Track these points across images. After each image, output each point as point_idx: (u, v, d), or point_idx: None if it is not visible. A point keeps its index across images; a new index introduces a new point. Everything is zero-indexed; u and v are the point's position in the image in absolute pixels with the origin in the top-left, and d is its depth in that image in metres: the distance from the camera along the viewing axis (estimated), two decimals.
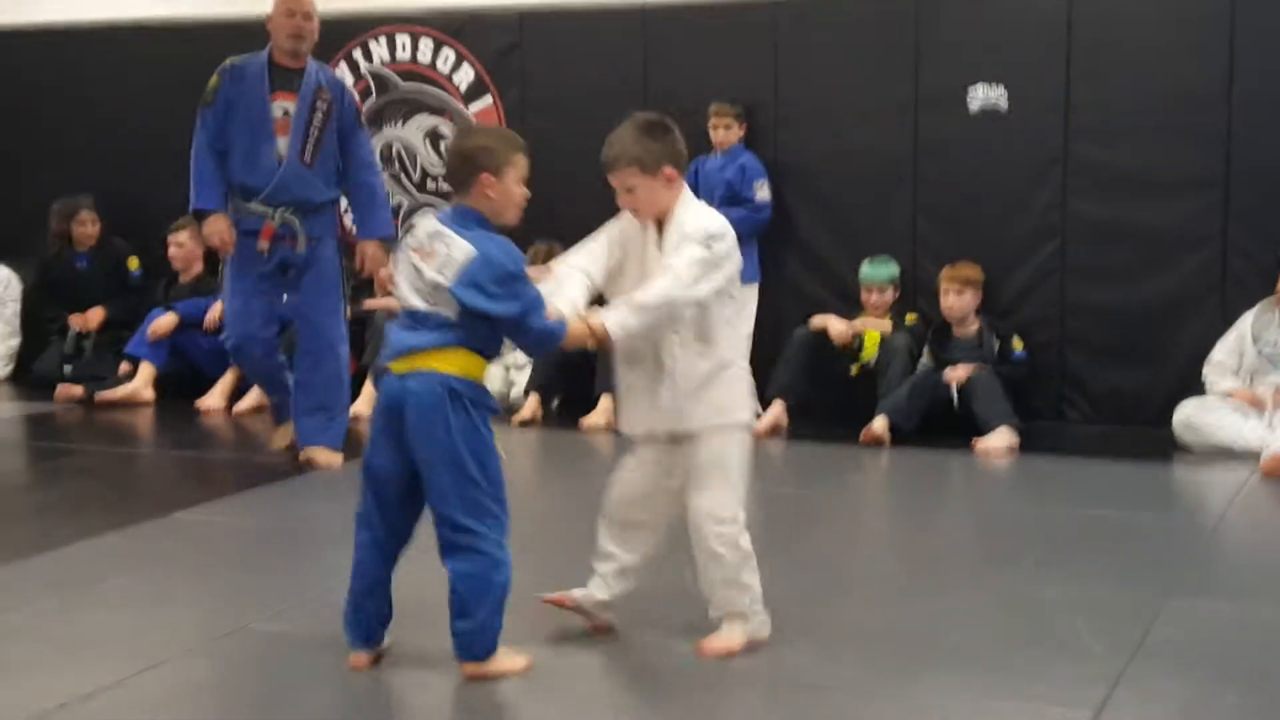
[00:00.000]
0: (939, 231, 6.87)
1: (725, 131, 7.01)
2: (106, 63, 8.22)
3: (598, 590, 3.67)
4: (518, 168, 3.50)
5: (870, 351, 6.67)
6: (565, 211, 7.49)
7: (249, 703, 3.32)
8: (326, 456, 5.86)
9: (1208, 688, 3.32)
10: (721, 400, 3.53)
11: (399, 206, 7.97)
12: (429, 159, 7.88)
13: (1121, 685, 3.33)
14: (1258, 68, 6.34)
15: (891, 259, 6.77)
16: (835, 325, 6.70)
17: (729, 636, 3.54)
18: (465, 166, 3.45)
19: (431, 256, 3.37)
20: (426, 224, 3.46)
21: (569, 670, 3.49)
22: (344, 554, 4.48)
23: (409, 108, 7.90)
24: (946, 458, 5.96)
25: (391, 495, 3.46)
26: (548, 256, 7.35)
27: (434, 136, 7.86)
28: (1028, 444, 6.11)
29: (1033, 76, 6.66)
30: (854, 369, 6.68)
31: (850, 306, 6.81)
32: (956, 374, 6.31)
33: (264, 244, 5.75)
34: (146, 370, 7.49)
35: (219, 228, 5.75)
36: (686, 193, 3.62)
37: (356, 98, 6.06)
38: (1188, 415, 6.13)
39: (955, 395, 6.29)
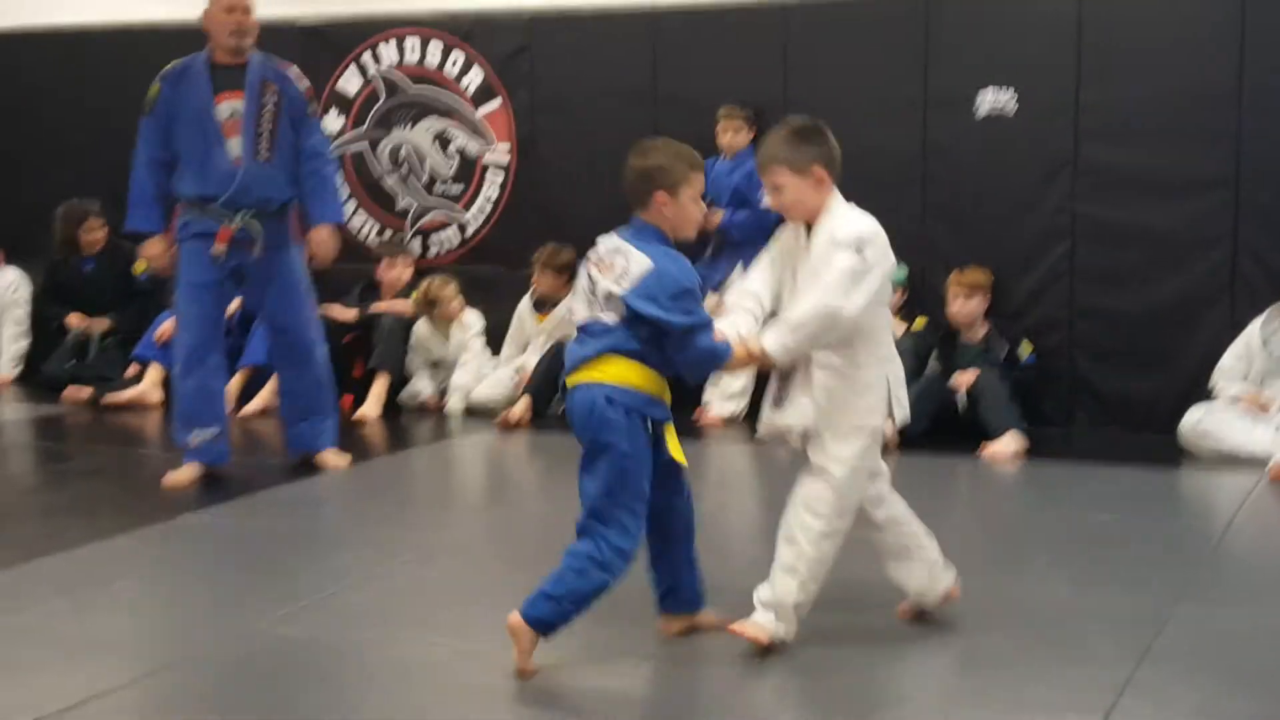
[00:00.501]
0: (948, 234, 6.86)
1: (734, 135, 7.01)
2: (111, 63, 8.22)
3: None
4: (693, 186, 3.57)
5: None
6: (574, 213, 7.53)
7: (257, 705, 3.32)
8: (335, 458, 5.86)
9: (1217, 693, 3.31)
10: (851, 404, 3.52)
11: (408, 209, 7.98)
12: (438, 161, 7.89)
13: (1130, 691, 3.32)
14: (1268, 67, 6.32)
15: (900, 262, 6.75)
16: None
17: (761, 624, 3.54)
18: (642, 184, 3.54)
19: (610, 269, 3.47)
20: (608, 241, 3.56)
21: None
22: (352, 556, 4.53)
23: (418, 110, 7.91)
24: (954, 463, 5.96)
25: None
26: (553, 258, 7.41)
27: (443, 139, 7.87)
28: (1036, 449, 6.10)
29: (1042, 79, 6.65)
30: None
31: None
32: (964, 378, 6.30)
33: (220, 248, 5.52)
34: (155, 372, 7.50)
35: (155, 252, 5.62)
36: (838, 196, 3.62)
37: (305, 85, 5.76)
38: (1196, 421, 6.11)
39: (963, 400, 6.29)
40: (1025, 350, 6.51)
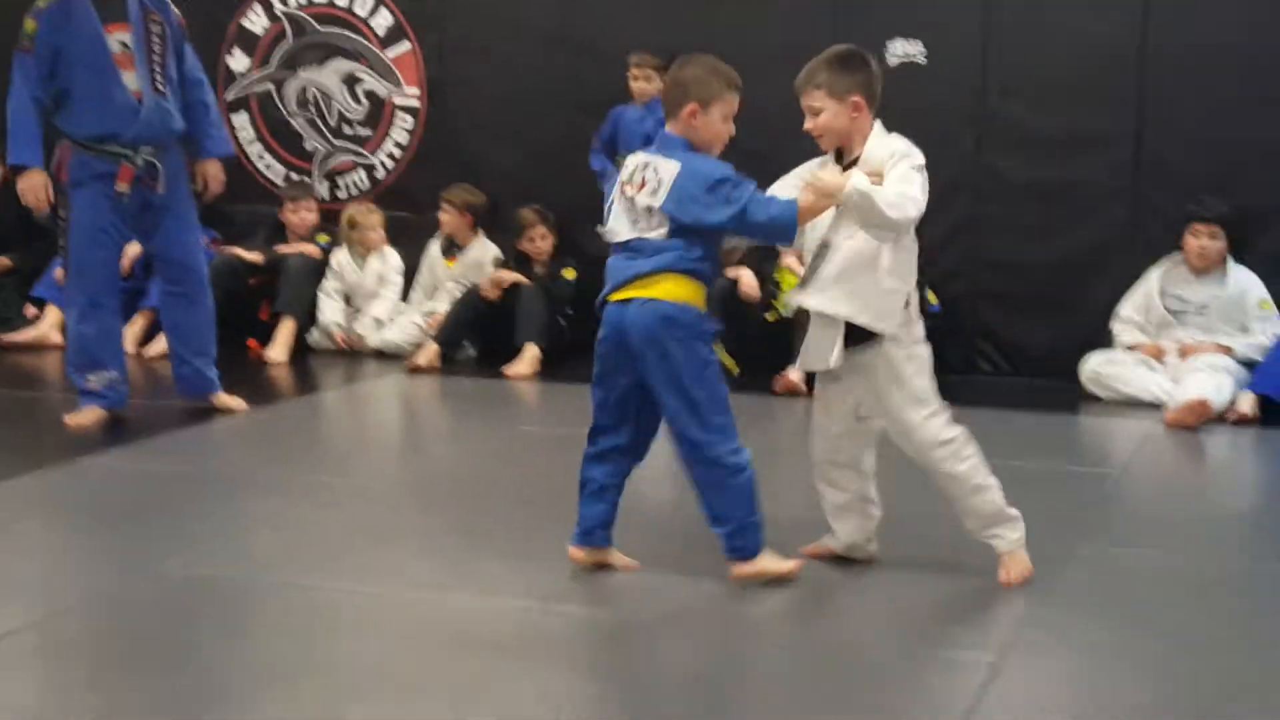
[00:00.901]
0: None
1: (645, 83, 6.98)
2: None
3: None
4: (726, 104, 3.57)
5: (783, 303, 6.71)
6: (486, 158, 7.48)
7: (160, 647, 3.28)
8: (233, 401, 5.75)
9: (1114, 629, 3.40)
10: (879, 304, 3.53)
11: (315, 152, 7.87)
12: (346, 104, 7.78)
13: (1030, 626, 3.41)
14: (1170, 27, 6.42)
15: None
16: (746, 279, 6.74)
17: (1013, 551, 3.65)
18: (676, 92, 3.56)
19: (643, 186, 3.49)
20: (633, 159, 3.58)
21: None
22: (258, 499, 4.49)
23: (325, 52, 7.78)
24: None
25: (624, 408, 3.61)
26: (461, 199, 7.35)
27: (351, 81, 7.76)
28: (940, 395, 6.16)
29: (951, 32, 6.70)
30: (770, 316, 6.72)
31: (772, 254, 6.85)
32: None
33: (123, 187, 5.37)
34: (54, 313, 7.34)
35: (36, 183, 5.36)
36: (878, 126, 3.61)
37: (178, 12, 5.58)
38: (1095, 368, 6.26)
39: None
40: (931, 299, 6.58)
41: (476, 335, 7.10)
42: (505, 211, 7.32)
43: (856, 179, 3.43)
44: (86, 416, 5.50)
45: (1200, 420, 5.64)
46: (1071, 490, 4.74)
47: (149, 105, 5.39)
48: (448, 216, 7.34)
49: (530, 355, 6.77)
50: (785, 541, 3.70)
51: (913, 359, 3.61)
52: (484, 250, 7.37)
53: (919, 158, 3.52)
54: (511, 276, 7.03)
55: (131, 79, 5.38)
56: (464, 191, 7.35)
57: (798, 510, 3.93)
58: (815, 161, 3.71)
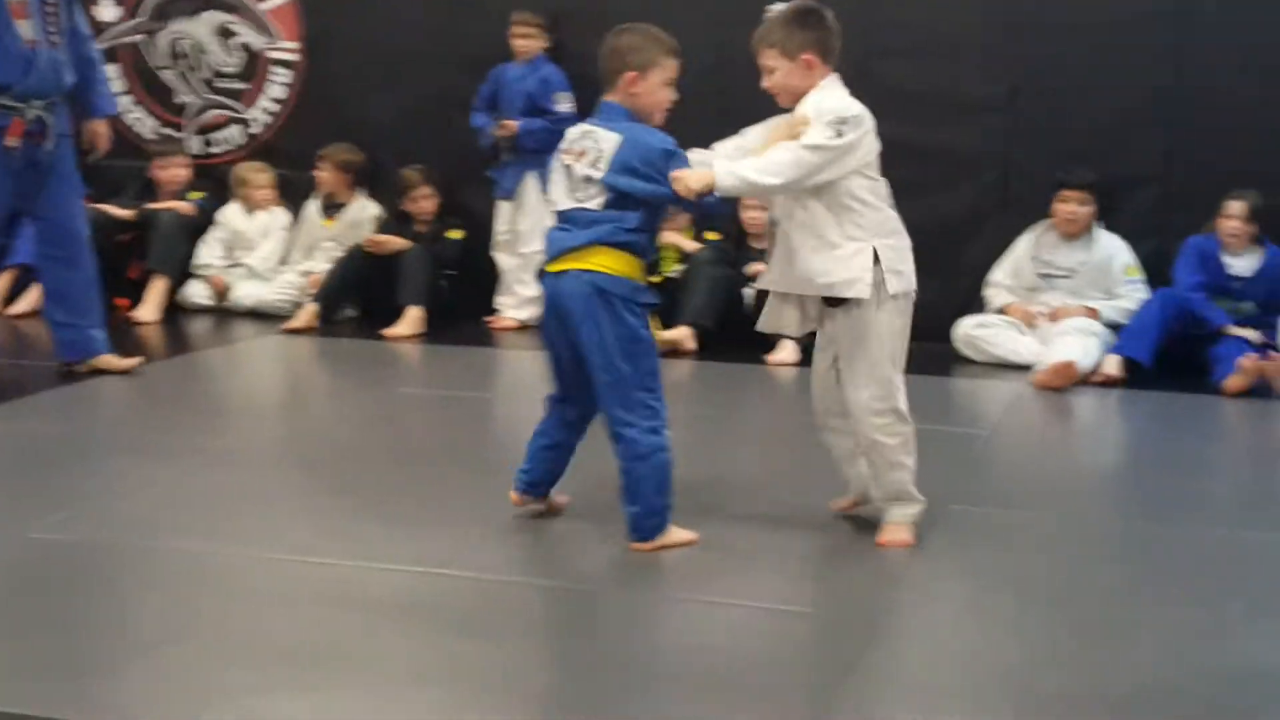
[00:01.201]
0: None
1: (526, 41, 6.93)
2: None
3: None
4: (665, 70, 3.55)
5: (669, 265, 6.75)
6: (366, 115, 7.37)
7: (27, 611, 3.21)
8: (117, 361, 5.62)
9: (984, 589, 3.48)
10: (836, 271, 3.55)
11: (187, 105, 7.69)
12: (220, 57, 7.61)
13: (903, 585, 3.48)
14: None
15: None
16: None
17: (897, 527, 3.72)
18: (614, 61, 3.53)
19: (582, 155, 3.47)
20: (575, 129, 3.56)
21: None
22: (130, 461, 4.40)
23: (198, 3, 7.60)
24: (742, 370, 6.08)
25: (571, 377, 3.64)
26: (340, 157, 7.24)
27: (225, 33, 7.59)
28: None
29: None
30: (654, 278, 6.75)
31: None
32: (757, 267, 6.45)
33: (13, 141, 5.20)
34: None
35: None
36: (833, 79, 3.63)
37: None
38: (967, 331, 6.38)
39: (750, 295, 6.44)
40: None
41: (358, 296, 7.03)
42: (387, 170, 7.24)
43: (719, 165, 3.49)
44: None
45: (1068, 382, 5.79)
46: (943, 451, 4.80)
47: (43, 57, 5.23)
48: (326, 175, 7.24)
49: (412, 316, 6.72)
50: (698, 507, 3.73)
51: (878, 323, 3.62)
52: (363, 210, 7.28)
53: (850, 130, 3.53)
54: (393, 243, 6.96)
55: (27, 28, 5.20)
56: (342, 150, 7.25)
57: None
58: (780, 118, 3.71)
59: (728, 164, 3.49)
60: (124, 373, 5.58)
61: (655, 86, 3.56)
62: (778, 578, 3.51)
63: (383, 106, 7.35)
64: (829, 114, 3.54)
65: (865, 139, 3.59)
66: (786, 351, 6.18)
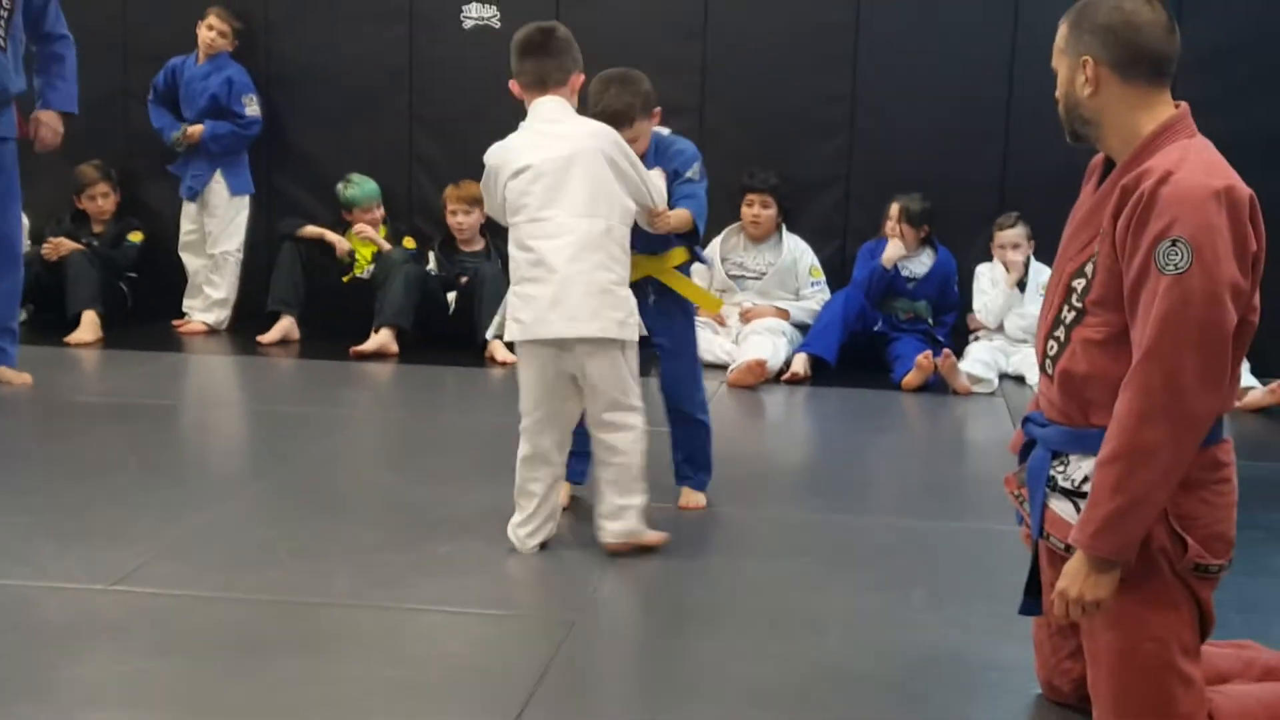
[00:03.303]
0: (436, 148, 6.93)
1: (215, 37, 6.72)
2: None
3: None
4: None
5: (363, 265, 6.66)
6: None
7: None
8: (20, 375, 5.41)
9: (679, 585, 3.54)
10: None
11: None
12: None
13: (597, 586, 3.51)
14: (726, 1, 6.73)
15: (367, 177, 6.75)
16: (331, 237, 6.66)
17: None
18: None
19: None
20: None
21: None
22: (24, 480, 4.04)
23: None
24: (447, 373, 6.06)
25: None
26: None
27: None
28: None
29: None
30: (345, 278, 6.67)
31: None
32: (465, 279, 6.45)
33: None
34: None
35: None
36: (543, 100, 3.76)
37: None
38: None
39: (454, 303, 6.48)
40: None
41: (33, 299, 6.64)
42: (61, 167, 6.84)
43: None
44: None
45: (759, 380, 5.97)
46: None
47: None
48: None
49: (89, 321, 6.41)
50: (371, 507, 3.64)
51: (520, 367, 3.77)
52: None
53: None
54: (65, 245, 6.64)
55: None
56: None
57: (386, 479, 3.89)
58: None
59: None
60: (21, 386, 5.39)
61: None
62: (479, 581, 3.49)
63: None
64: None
65: (496, 185, 3.69)
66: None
